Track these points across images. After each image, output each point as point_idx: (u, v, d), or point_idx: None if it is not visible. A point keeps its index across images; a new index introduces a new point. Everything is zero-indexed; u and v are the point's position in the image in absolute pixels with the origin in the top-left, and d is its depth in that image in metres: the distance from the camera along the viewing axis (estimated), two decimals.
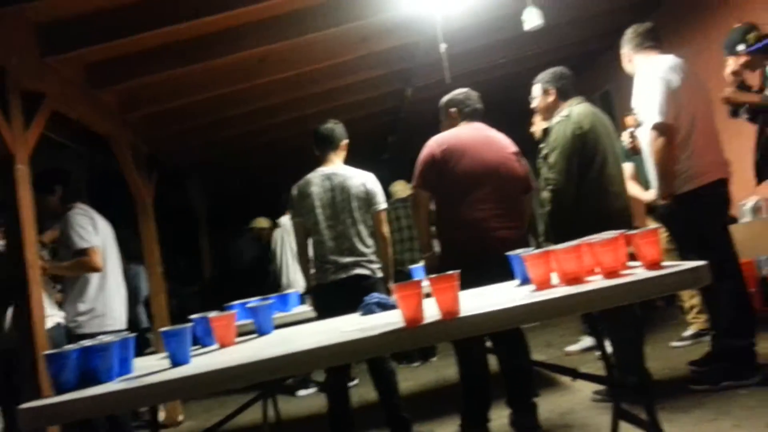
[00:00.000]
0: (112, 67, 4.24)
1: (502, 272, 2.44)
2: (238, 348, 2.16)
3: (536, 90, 3.36)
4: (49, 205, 3.55)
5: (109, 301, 3.53)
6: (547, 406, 3.29)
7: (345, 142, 3.39)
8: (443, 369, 4.92)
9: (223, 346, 2.22)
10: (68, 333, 3.39)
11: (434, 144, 3.07)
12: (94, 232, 3.46)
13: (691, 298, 4.10)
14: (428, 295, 1.82)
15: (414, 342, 2.00)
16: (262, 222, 6.50)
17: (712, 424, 2.60)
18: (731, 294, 3.00)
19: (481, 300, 2.02)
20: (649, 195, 3.57)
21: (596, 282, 1.90)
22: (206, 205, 8.75)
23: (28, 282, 3.06)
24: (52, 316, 3.36)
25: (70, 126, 4.61)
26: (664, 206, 3.11)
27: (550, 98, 3.29)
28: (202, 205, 8.70)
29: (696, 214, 3.03)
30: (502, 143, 3.13)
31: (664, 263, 1.90)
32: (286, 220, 5.33)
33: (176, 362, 1.95)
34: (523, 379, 3.06)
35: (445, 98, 3.25)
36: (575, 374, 2.39)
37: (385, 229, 3.30)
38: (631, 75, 3.30)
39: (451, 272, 1.80)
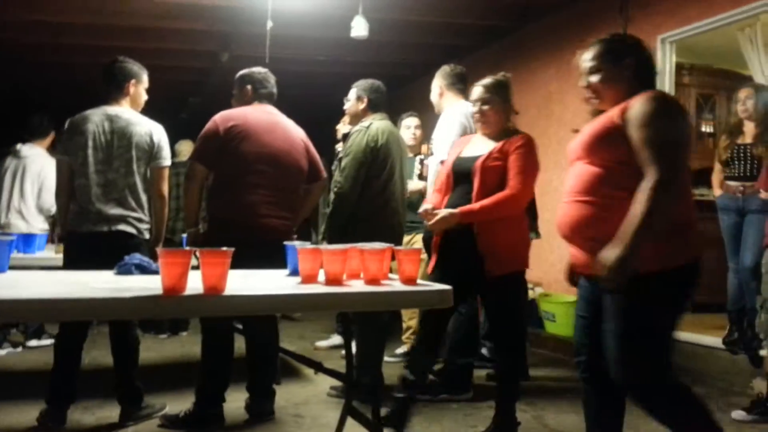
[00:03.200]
0: None
1: (265, 259, 2.47)
2: None
3: (352, 94, 3.49)
4: None
5: None
6: (285, 395, 3.39)
7: (132, 82, 3.04)
8: (191, 345, 4.79)
9: None
10: None
11: (219, 119, 2.99)
12: None
13: (409, 320, 4.41)
14: (195, 268, 1.77)
15: (168, 312, 1.94)
16: None
17: (426, 430, 2.92)
18: (468, 317, 3.41)
19: (246, 282, 2.02)
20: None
21: (357, 286, 2.02)
22: None
23: None
24: None
25: None
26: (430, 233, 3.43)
27: (361, 106, 3.44)
28: None
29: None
30: (291, 131, 3.14)
31: (419, 281, 2.10)
32: (29, 151, 4.55)
33: None
34: (268, 366, 3.13)
35: (244, 72, 3.17)
36: (318, 368, 2.51)
37: (164, 187, 3.08)
38: (435, 106, 3.59)
39: (225, 249, 1.77)
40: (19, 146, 4.55)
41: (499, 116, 2.81)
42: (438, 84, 3.57)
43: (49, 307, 1.61)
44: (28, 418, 2.87)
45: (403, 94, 7.46)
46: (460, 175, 2.76)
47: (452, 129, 3.31)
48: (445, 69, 3.57)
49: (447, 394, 3.35)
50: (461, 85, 3.54)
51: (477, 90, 2.84)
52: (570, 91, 5.04)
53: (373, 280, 2.07)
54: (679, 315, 1.96)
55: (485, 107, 2.80)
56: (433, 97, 3.60)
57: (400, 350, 4.41)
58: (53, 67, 7.02)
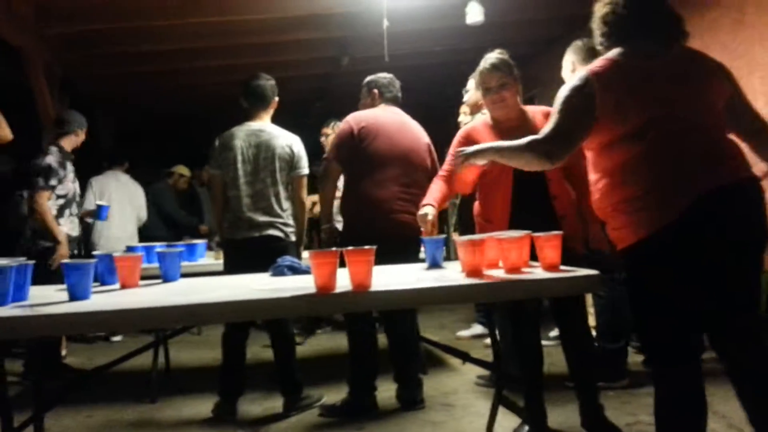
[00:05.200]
0: None
1: (400, 254, 2.54)
2: (141, 291, 2.13)
3: (471, 84, 3.47)
4: None
5: None
6: (433, 385, 3.46)
7: (276, 100, 3.34)
8: (340, 339, 5.02)
9: (125, 287, 2.19)
10: None
11: (353, 120, 3.16)
12: None
13: None
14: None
15: (322, 309, 2.06)
16: (184, 169, 6.33)
17: (579, 419, 2.83)
18: (610, 301, 3.27)
19: (386, 277, 2.10)
20: None
21: (498, 275, 2.02)
22: (113, 140, 8.33)
23: None
24: None
25: None
26: None
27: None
28: (108, 141, 8.27)
29: None
30: (416, 131, 3.28)
31: (562, 267, 2.06)
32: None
33: (75, 296, 1.90)
34: (410, 356, 3.21)
35: (370, 78, 3.36)
36: (465, 357, 2.54)
37: (304, 194, 3.32)
38: (567, 82, 3.45)
39: (368, 247, 1.85)
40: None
41: (515, 98, 2.67)
42: (570, 60, 3.44)
43: (221, 309, 1.79)
44: (204, 410, 3.18)
45: (525, 74, 7.22)
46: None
47: None
48: (577, 44, 3.44)
49: (601, 382, 3.23)
50: (592, 59, 3.39)
51: (489, 73, 2.64)
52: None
53: (513, 269, 2.06)
54: (659, 295, 1.82)
55: (504, 91, 2.64)
56: (565, 73, 3.48)
57: (554, 333, 4.32)
58: (186, 89, 7.57)
